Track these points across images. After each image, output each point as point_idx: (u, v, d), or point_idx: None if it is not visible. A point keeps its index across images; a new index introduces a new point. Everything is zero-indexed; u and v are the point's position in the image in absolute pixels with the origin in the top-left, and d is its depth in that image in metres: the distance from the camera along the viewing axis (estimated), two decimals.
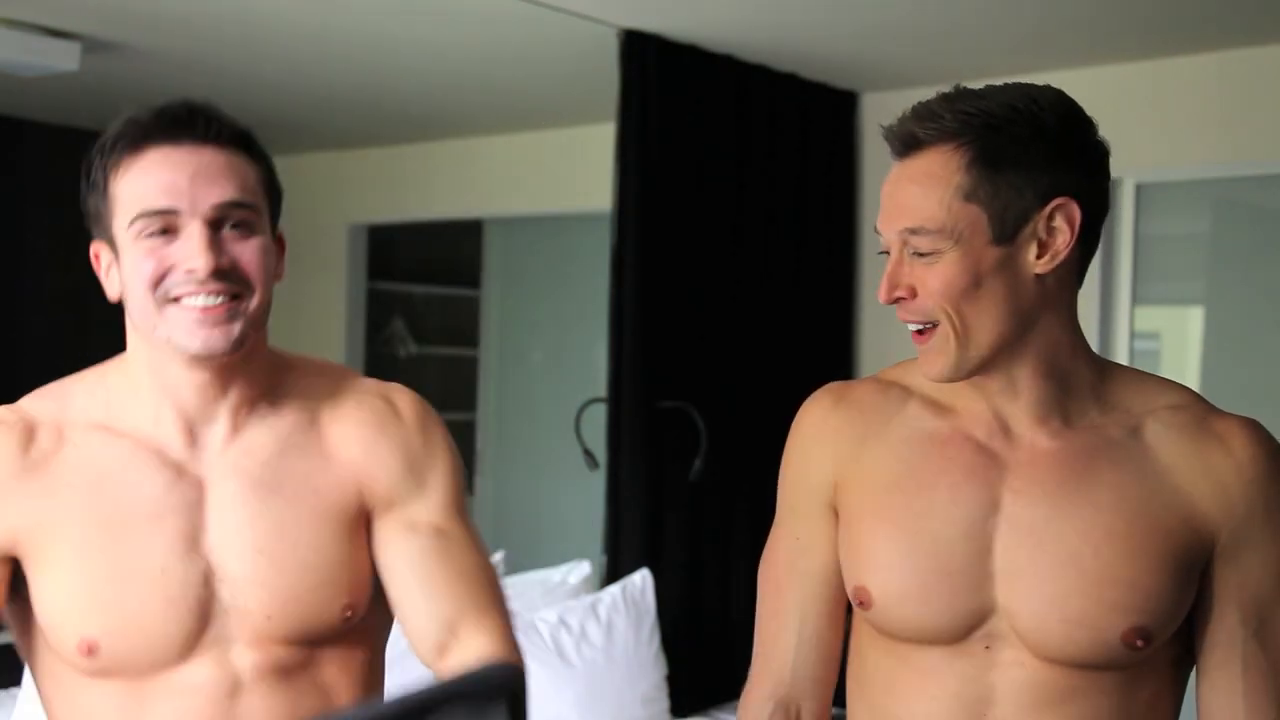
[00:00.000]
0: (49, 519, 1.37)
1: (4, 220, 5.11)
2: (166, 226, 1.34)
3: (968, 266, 1.33)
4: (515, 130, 5.03)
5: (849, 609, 1.52)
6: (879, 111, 4.24)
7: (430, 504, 1.49)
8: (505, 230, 5.53)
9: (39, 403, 1.44)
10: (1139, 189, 3.92)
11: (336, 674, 1.44)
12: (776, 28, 3.59)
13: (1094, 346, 4.33)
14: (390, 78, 4.21)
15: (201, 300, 1.34)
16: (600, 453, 3.83)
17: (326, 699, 1.42)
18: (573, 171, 4.91)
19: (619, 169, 3.65)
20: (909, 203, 1.34)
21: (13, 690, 3.11)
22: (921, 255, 1.34)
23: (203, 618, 1.38)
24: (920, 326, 1.36)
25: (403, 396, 1.52)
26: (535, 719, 3.16)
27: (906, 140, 1.35)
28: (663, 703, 3.49)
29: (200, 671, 1.37)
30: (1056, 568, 1.35)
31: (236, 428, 1.43)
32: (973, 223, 1.32)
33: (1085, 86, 4.16)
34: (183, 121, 1.36)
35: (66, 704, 1.42)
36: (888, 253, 1.38)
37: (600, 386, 4.27)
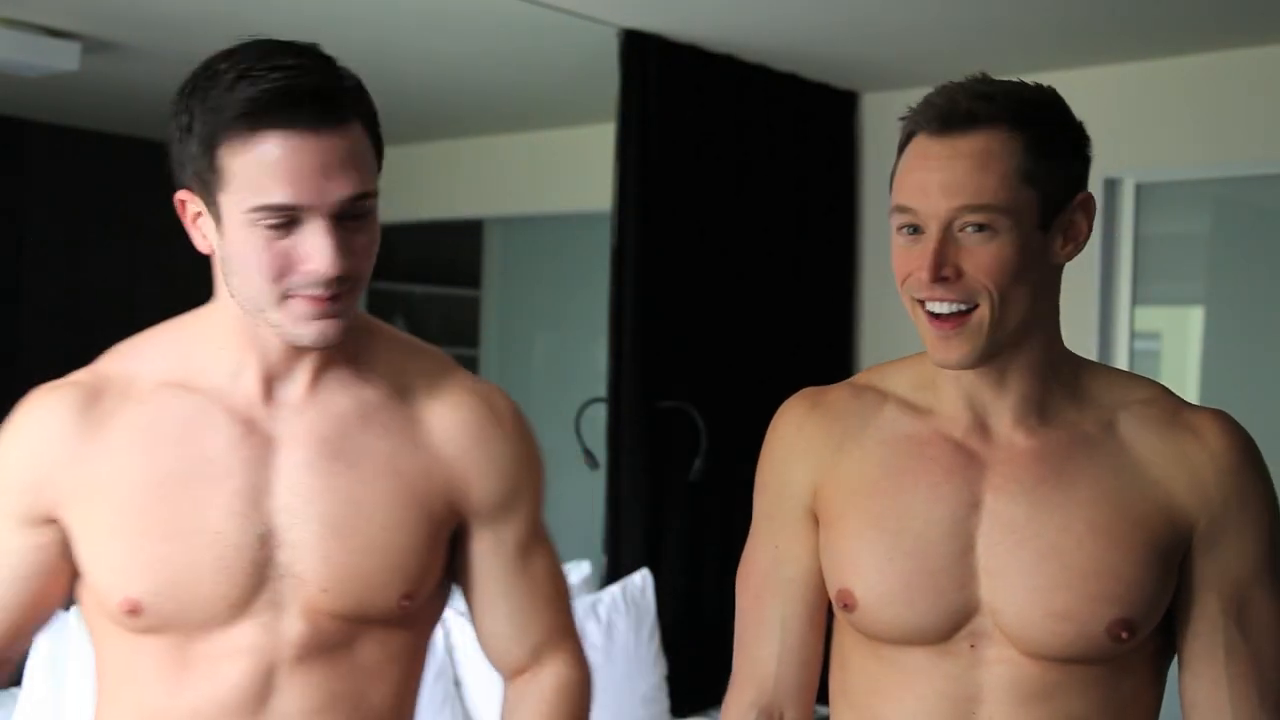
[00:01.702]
0: (99, 480, 1.36)
1: (5, 220, 5.11)
2: (289, 220, 1.27)
3: (1020, 249, 1.34)
4: (515, 130, 5.03)
5: (829, 614, 1.52)
6: (879, 111, 4.24)
7: (521, 521, 1.49)
8: (505, 230, 5.53)
9: (114, 361, 1.42)
10: (1139, 189, 3.92)
11: (379, 657, 1.42)
12: (776, 28, 3.59)
13: (1094, 346, 4.30)
14: (390, 78, 4.21)
15: (318, 292, 1.30)
16: (600, 453, 3.83)
17: (365, 681, 1.41)
18: (573, 171, 4.91)
19: (619, 169, 3.65)
20: (967, 180, 1.32)
21: (13, 690, 3.11)
22: (972, 234, 1.32)
23: (257, 580, 1.35)
24: (955, 309, 1.34)
25: (503, 401, 1.50)
26: None
27: (964, 116, 1.33)
28: (663, 703, 3.49)
29: (248, 635, 1.36)
30: (1040, 562, 1.36)
31: (316, 387, 1.40)
32: (1028, 205, 1.34)
33: (1086, 86, 4.15)
34: (313, 104, 1.27)
35: (112, 657, 1.41)
36: (903, 231, 1.36)
37: (600, 386, 4.27)
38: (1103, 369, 1.49)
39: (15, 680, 3.01)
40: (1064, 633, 1.35)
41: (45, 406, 1.39)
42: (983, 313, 1.34)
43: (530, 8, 3.33)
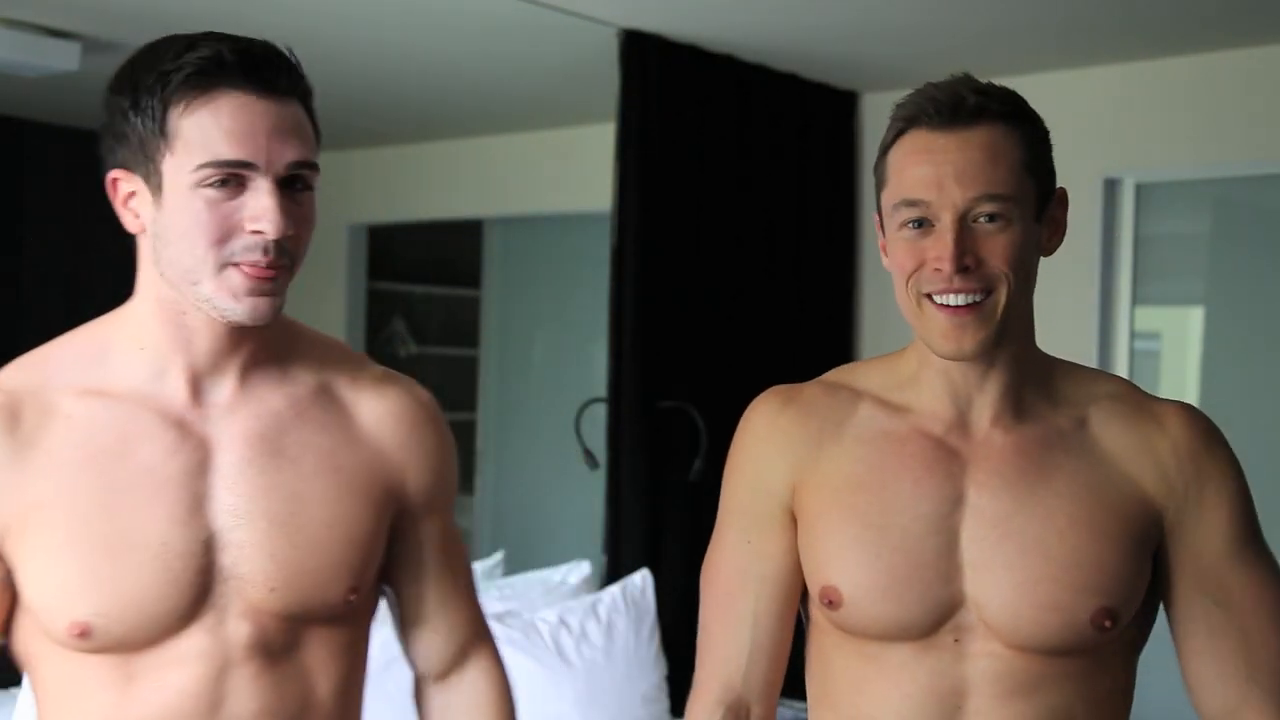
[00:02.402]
0: (39, 501, 1.30)
1: (5, 220, 5.12)
2: (232, 178, 1.26)
3: (1028, 238, 1.38)
4: (515, 130, 5.03)
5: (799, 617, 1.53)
6: (879, 111, 4.24)
7: (446, 513, 1.51)
8: (505, 230, 5.53)
9: (20, 374, 1.36)
10: (1139, 189, 3.92)
11: (323, 654, 1.41)
12: (776, 28, 3.59)
13: (1094, 346, 4.30)
14: (390, 78, 4.21)
15: (260, 264, 1.27)
16: (600, 453, 3.83)
17: (311, 682, 1.40)
18: (573, 171, 4.91)
19: (619, 169, 3.65)
20: (980, 170, 1.35)
21: (12, 690, 3.10)
22: (986, 224, 1.35)
23: (202, 587, 1.33)
24: (972, 299, 1.35)
25: (426, 393, 1.51)
26: (535, 719, 3.16)
27: (971, 110, 1.36)
28: (663, 703, 3.49)
29: (193, 643, 1.33)
30: (1023, 555, 1.39)
31: (245, 386, 1.37)
32: (1030, 197, 1.38)
33: (1086, 86, 4.16)
34: (268, 68, 1.28)
35: (53, 677, 1.38)
36: (910, 225, 1.37)
37: (600, 386, 4.27)
38: (1071, 366, 1.51)
39: (15, 680, 3.01)
40: (1049, 624, 1.37)
41: None
42: (998, 298, 1.36)
43: (530, 8, 3.33)
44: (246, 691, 1.36)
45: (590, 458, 4.00)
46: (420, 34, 3.64)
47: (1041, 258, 1.43)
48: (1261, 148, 3.66)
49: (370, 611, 1.49)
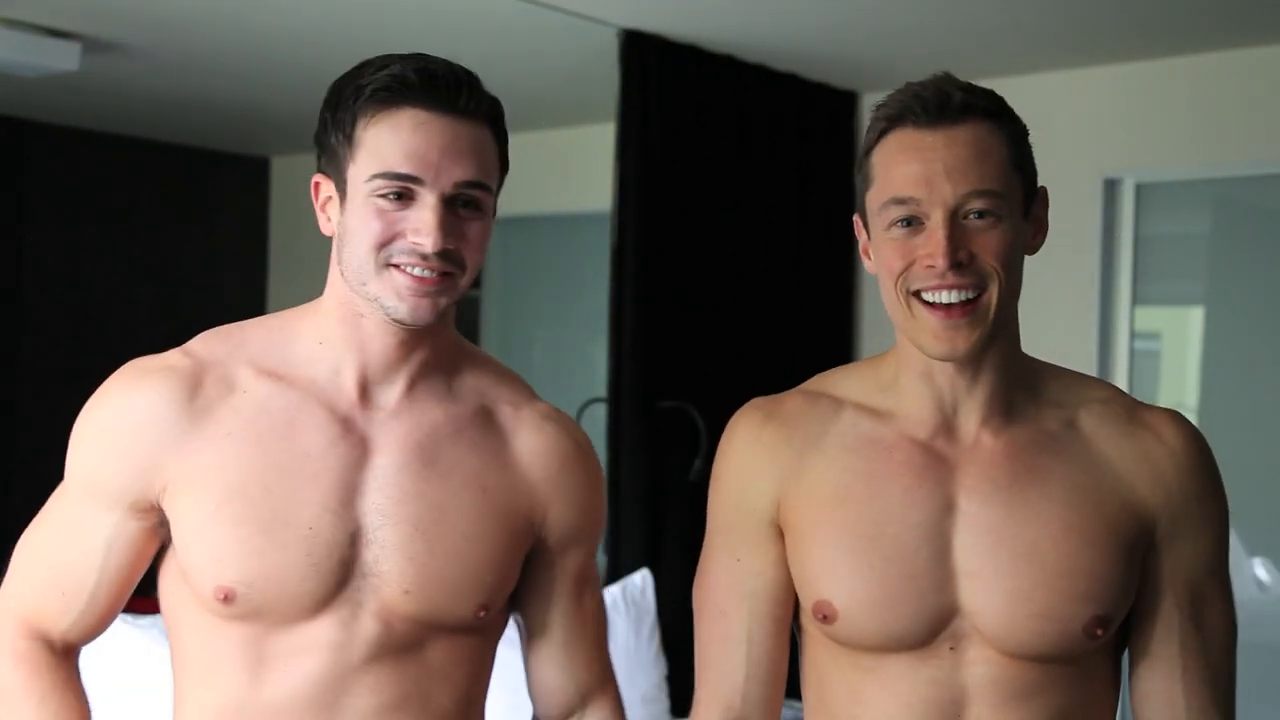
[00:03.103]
0: (205, 466, 1.38)
1: (5, 220, 5.12)
2: (403, 192, 1.34)
3: (1017, 234, 1.37)
4: (515, 130, 4.98)
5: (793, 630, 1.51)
6: None
7: (584, 554, 1.56)
8: (505, 230, 5.53)
9: (210, 344, 1.44)
10: (1139, 189, 3.92)
11: (447, 661, 1.45)
12: (776, 28, 3.59)
13: (1094, 346, 4.30)
14: None
15: (418, 271, 1.35)
16: (600, 453, 3.83)
17: (433, 683, 1.44)
18: (573, 171, 4.92)
19: (619, 169, 3.65)
20: (970, 167, 1.34)
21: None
22: (976, 220, 1.34)
23: (342, 577, 1.38)
24: (964, 297, 1.34)
25: (583, 435, 1.56)
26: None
27: (959, 108, 1.36)
28: (663, 703, 3.49)
29: (327, 630, 1.38)
30: (1018, 562, 1.37)
31: (411, 395, 1.44)
32: (1016, 194, 1.38)
33: (1086, 86, 4.16)
34: (447, 89, 1.36)
35: (193, 648, 1.43)
36: (899, 224, 1.36)
37: (600, 386, 4.27)
38: (1057, 369, 1.50)
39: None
40: (1044, 632, 1.37)
41: (149, 390, 1.40)
42: (991, 296, 1.35)
43: (530, 8, 3.33)
44: (369, 688, 1.40)
45: None
46: (420, 34, 3.64)
47: (1037, 257, 1.43)
48: (1261, 148, 3.66)
49: (498, 631, 1.53)
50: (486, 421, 1.48)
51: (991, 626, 1.37)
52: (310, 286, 1.48)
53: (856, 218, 1.45)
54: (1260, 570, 3.72)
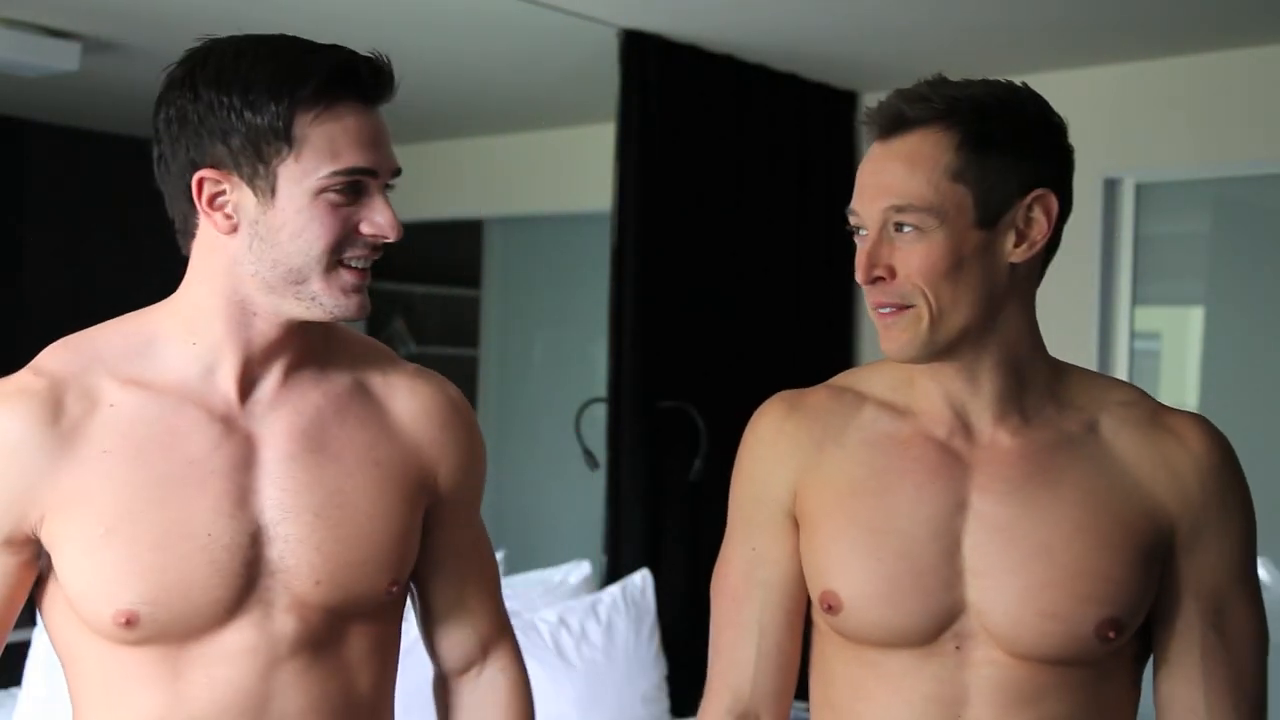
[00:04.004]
0: (86, 488, 1.31)
1: (4, 220, 5.12)
2: (360, 186, 1.33)
3: (951, 247, 1.34)
4: (515, 130, 5.03)
5: (807, 622, 1.51)
6: None
7: (474, 507, 1.55)
8: (505, 230, 5.53)
9: (62, 357, 1.36)
10: (1139, 189, 3.92)
11: (364, 650, 1.43)
12: (776, 28, 3.59)
13: (1094, 346, 4.29)
14: None
15: (363, 264, 1.34)
16: (600, 453, 3.83)
17: (353, 678, 1.42)
18: (573, 171, 4.91)
19: (619, 169, 3.65)
20: (895, 181, 1.34)
21: (13, 690, 3.11)
22: (904, 233, 1.34)
23: (248, 580, 1.34)
24: (891, 307, 1.36)
25: (456, 390, 1.55)
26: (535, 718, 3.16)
27: (894, 120, 1.36)
28: (663, 703, 3.49)
29: (241, 637, 1.34)
30: (1028, 562, 1.37)
31: (287, 384, 1.40)
32: (959, 203, 1.34)
33: (1086, 86, 4.16)
34: (376, 80, 1.35)
35: (96, 674, 1.37)
36: (856, 233, 1.39)
37: (600, 386, 4.27)
38: (1080, 371, 1.49)
39: (15, 680, 3.01)
40: (1053, 632, 1.36)
41: (6, 416, 1.31)
42: (919, 311, 1.35)
43: (530, 8, 3.33)
44: (293, 688, 1.37)
45: (590, 458, 4.00)
46: (420, 34, 3.64)
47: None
48: (1261, 148, 3.66)
49: (401, 608, 1.51)
50: (363, 395, 1.45)
51: (998, 626, 1.37)
52: None
53: None
54: (1260, 570, 3.73)
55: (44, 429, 1.31)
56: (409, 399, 1.48)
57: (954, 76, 1.41)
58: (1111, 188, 3.89)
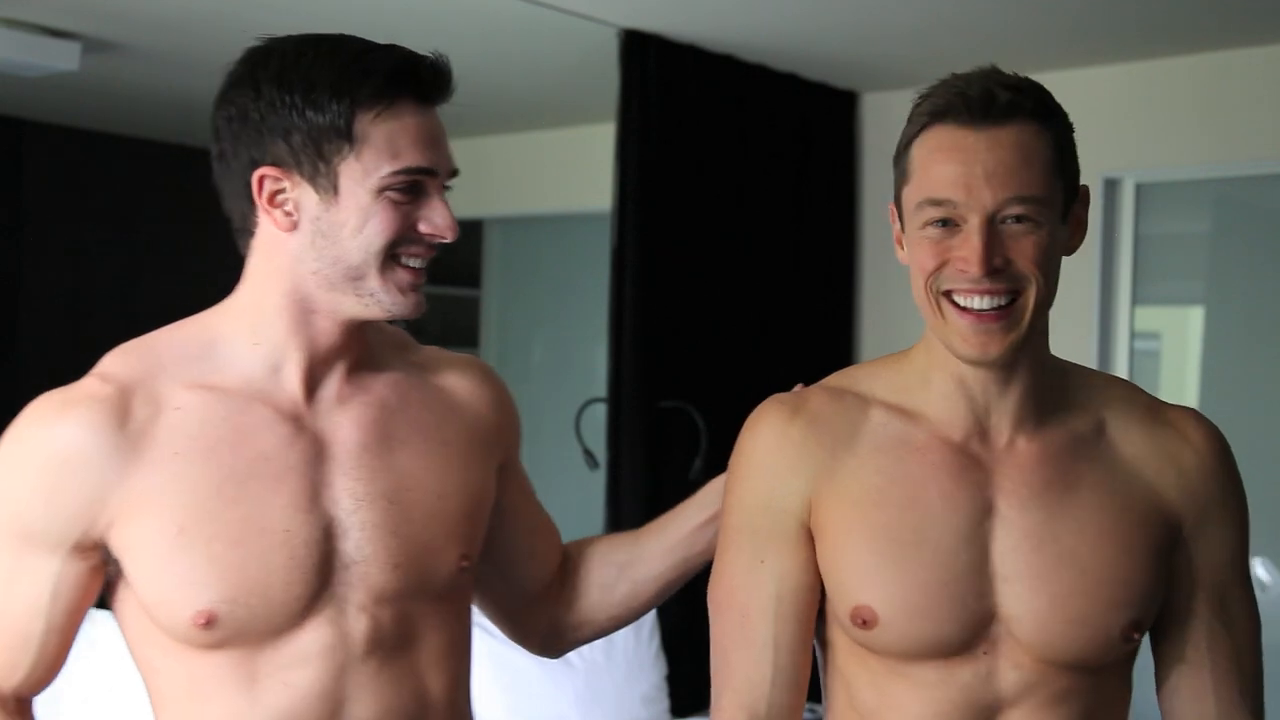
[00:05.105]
0: (157, 491, 1.30)
1: (5, 220, 5.12)
2: (417, 185, 1.35)
3: (1056, 237, 1.35)
4: (515, 130, 5.03)
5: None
6: (879, 111, 4.24)
7: (519, 459, 1.60)
8: (505, 230, 5.53)
9: (126, 362, 1.36)
10: (1139, 189, 3.92)
11: (437, 650, 1.42)
12: (776, 28, 3.59)
13: (1094, 346, 4.29)
14: None
15: (419, 264, 1.36)
16: (600, 453, 3.83)
17: (426, 681, 1.41)
18: (573, 171, 4.91)
19: (619, 169, 3.65)
20: (1012, 172, 1.30)
21: None
22: (1015, 225, 1.31)
23: (325, 575, 1.34)
24: (1000, 303, 1.32)
25: (487, 365, 1.60)
26: (536, 716, 3.16)
27: (1004, 108, 1.31)
28: (663, 703, 3.49)
29: (315, 637, 1.33)
30: (1057, 569, 1.35)
31: (351, 379, 1.41)
32: (1057, 197, 1.34)
33: (1086, 86, 4.16)
34: (435, 79, 1.39)
35: (172, 682, 1.36)
36: (943, 223, 1.32)
37: (600, 386, 4.27)
38: (1078, 368, 1.48)
39: None
40: (1081, 638, 1.35)
41: (74, 424, 1.31)
42: (1026, 300, 1.32)
43: (530, 8, 3.33)
44: (367, 691, 1.36)
45: (590, 458, 4.00)
46: (420, 34, 3.63)
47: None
48: (1261, 148, 3.66)
49: (470, 609, 1.52)
50: (418, 379, 1.48)
51: (1029, 633, 1.35)
52: None
53: (891, 205, 1.42)
54: (1260, 570, 3.72)
55: (113, 434, 1.30)
56: (458, 376, 1.51)
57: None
58: (1111, 188, 3.89)
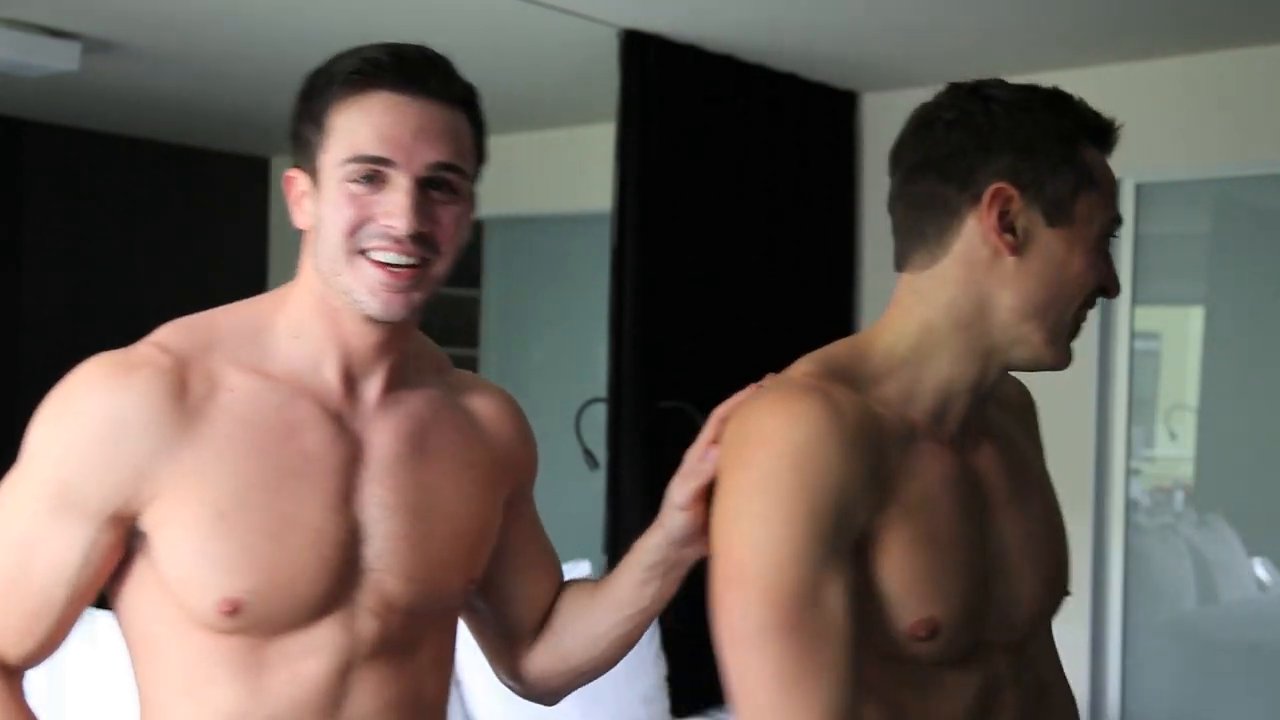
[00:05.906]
0: (199, 471, 1.30)
1: (5, 220, 5.12)
2: (376, 175, 1.31)
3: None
4: (515, 130, 5.03)
5: None
6: (879, 111, 4.24)
7: (532, 495, 1.61)
8: (505, 230, 5.53)
9: (185, 336, 1.36)
10: (1139, 189, 3.92)
11: (433, 656, 1.46)
12: (776, 28, 3.59)
13: (1094, 346, 4.28)
14: None
15: (392, 258, 1.32)
16: (600, 453, 3.83)
17: (423, 683, 1.44)
18: (573, 171, 4.92)
19: (619, 169, 3.65)
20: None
21: None
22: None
23: (345, 577, 1.35)
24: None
25: (510, 395, 1.60)
26: (535, 719, 3.16)
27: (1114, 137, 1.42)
28: (663, 703, 3.49)
29: (326, 634, 1.35)
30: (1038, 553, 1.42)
31: (391, 387, 1.41)
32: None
33: (1086, 86, 4.15)
34: (418, 72, 1.34)
35: (180, 661, 1.34)
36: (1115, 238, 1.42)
37: (600, 386, 4.27)
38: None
39: None
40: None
41: (137, 389, 1.29)
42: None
43: (530, 8, 3.33)
44: (369, 688, 1.38)
45: (590, 458, 4.00)
46: (420, 34, 3.63)
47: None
48: (1261, 148, 3.66)
49: (457, 622, 1.53)
50: (452, 401, 1.49)
51: (1018, 622, 1.40)
52: None
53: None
54: (1260, 570, 3.72)
55: (171, 406, 1.30)
56: (484, 403, 1.53)
57: (957, 77, 1.40)
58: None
